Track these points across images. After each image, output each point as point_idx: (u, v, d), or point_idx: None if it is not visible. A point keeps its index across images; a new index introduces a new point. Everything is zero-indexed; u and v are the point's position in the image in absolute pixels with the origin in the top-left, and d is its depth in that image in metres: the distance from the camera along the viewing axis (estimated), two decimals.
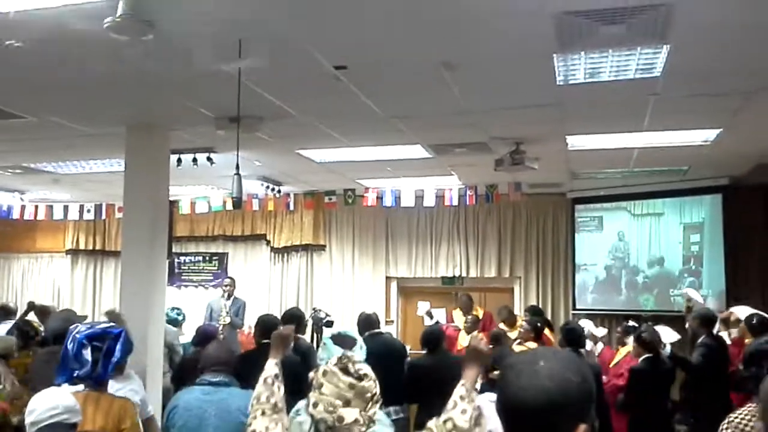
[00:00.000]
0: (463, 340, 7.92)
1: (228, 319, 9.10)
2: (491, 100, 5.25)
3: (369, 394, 2.30)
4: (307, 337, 7.14)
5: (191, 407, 3.67)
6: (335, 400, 2.25)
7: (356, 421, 2.24)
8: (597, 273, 9.91)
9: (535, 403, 1.36)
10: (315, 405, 2.26)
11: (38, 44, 3.93)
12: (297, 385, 5.37)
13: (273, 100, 5.11)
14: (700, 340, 5.97)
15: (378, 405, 2.33)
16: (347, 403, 2.25)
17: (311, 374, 2.38)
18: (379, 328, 6.59)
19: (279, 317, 6.92)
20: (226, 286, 9.72)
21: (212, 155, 6.93)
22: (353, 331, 3.40)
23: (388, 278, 11.12)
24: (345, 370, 2.31)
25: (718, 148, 6.82)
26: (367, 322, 6.46)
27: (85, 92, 5.02)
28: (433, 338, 5.96)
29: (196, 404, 3.67)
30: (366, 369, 2.35)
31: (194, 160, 6.95)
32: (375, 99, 5.15)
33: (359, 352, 2.97)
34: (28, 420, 2.83)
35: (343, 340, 2.91)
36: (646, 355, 5.90)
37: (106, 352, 3.40)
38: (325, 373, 2.32)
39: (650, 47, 4.12)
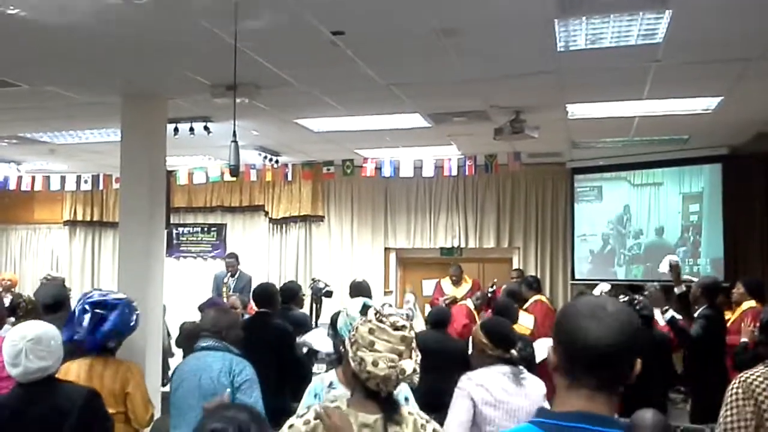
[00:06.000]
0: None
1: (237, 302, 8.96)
2: (491, 67, 5.19)
3: (414, 343, 2.33)
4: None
5: (185, 371, 3.87)
6: (392, 354, 2.25)
7: (414, 370, 2.27)
8: (596, 243, 9.91)
9: (619, 345, 1.54)
10: (375, 363, 2.24)
11: (31, 10, 3.88)
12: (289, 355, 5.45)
13: (270, 67, 5.05)
14: (699, 310, 5.94)
15: (419, 351, 2.36)
16: (401, 356, 2.26)
17: (351, 334, 2.35)
18: (369, 296, 6.63)
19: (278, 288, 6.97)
20: (228, 265, 9.58)
21: (209, 124, 6.88)
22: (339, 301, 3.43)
23: (386, 249, 11.13)
24: (390, 325, 2.31)
25: (718, 116, 6.78)
26: (357, 289, 6.55)
27: (80, 60, 4.95)
28: (441, 319, 6.15)
29: (188, 368, 3.86)
30: (401, 320, 2.34)
31: (191, 129, 6.90)
32: (373, 66, 5.09)
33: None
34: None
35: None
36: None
37: (99, 320, 3.51)
38: (372, 330, 2.29)
39: (652, 12, 4.06)
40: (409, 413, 2.33)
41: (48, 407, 2.90)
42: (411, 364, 2.27)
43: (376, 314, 2.34)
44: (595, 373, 1.55)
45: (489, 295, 7.91)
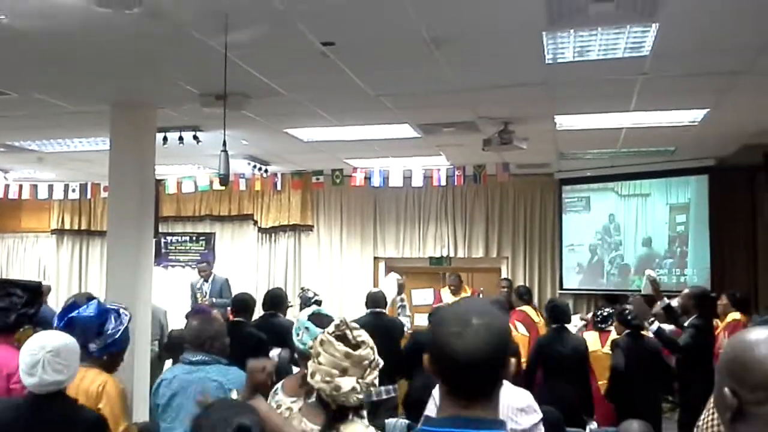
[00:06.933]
0: None
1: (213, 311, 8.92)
2: (480, 78, 5.22)
3: (366, 362, 2.28)
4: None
5: (174, 385, 3.68)
6: (332, 369, 2.23)
7: (353, 389, 2.22)
8: (584, 253, 9.95)
9: (481, 357, 1.55)
10: (312, 375, 2.25)
11: (21, 18, 3.87)
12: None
13: (260, 77, 5.06)
14: (690, 320, 5.99)
15: (376, 372, 2.31)
16: (344, 372, 2.23)
17: (310, 343, 2.37)
18: (384, 307, 6.77)
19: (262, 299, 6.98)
20: (201, 271, 9.66)
21: (198, 134, 6.87)
22: (327, 310, 3.38)
23: (376, 258, 11.13)
24: (343, 339, 2.29)
25: (705, 128, 6.84)
26: (374, 300, 6.64)
27: (69, 68, 4.94)
28: None
29: (177, 383, 3.68)
30: (364, 336, 2.32)
31: (180, 138, 6.89)
32: (363, 76, 5.11)
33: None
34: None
35: (321, 320, 2.88)
36: (627, 331, 5.98)
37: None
38: (322, 342, 2.29)
39: (639, 25, 4.11)
40: None
41: (54, 423, 2.84)
42: (350, 382, 2.22)
43: (338, 326, 2.33)
44: (464, 384, 1.59)
45: None
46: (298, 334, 2.82)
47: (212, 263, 10.09)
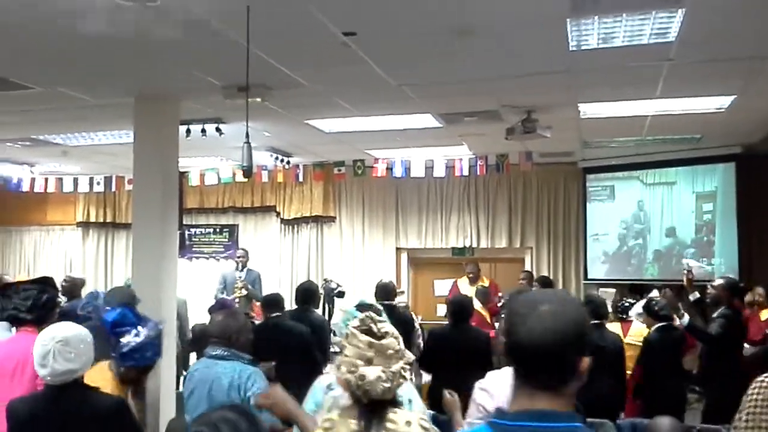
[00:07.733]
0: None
1: (244, 291, 9.01)
2: (503, 66, 5.18)
3: (391, 351, 2.29)
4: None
5: (195, 378, 3.78)
6: (357, 360, 2.25)
7: (378, 378, 2.22)
8: (609, 243, 9.86)
9: (542, 343, 1.51)
10: (339, 367, 2.27)
11: (44, 13, 3.90)
12: (309, 357, 5.50)
13: (281, 68, 5.06)
14: (719, 310, 5.94)
15: (403, 361, 2.32)
16: (369, 362, 2.24)
17: (338, 340, 2.40)
18: (393, 299, 6.74)
19: (294, 290, 7.01)
20: (239, 257, 9.69)
21: (221, 126, 6.90)
22: (372, 300, 3.40)
23: (398, 249, 11.12)
24: (368, 332, 2.31)
25: (732, 115, 6.73)
26: (385, 291, 6.60)
27: (92, 62, 4.97)
28: (462, 310, 6.02)
29: (199, 376, 3.78)
30: (388, 327, 2.34)
31: (203, 131, 6.92)
32: (385, 66, 5.09)
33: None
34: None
35: (369, 310, 2.89)
36: (659, 324, 5.92)
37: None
38: (347, 335, 2.32)
39: (665, 11, 4.04)
40: (407, 423, 2.24)
41: (71, 412, 2.88)
42: (375, 371, 2.21)
43: (363, 320, 2.34)
44: (529, 372, 1.55)
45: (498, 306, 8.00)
46: (347, 325, 2.81)
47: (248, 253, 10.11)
